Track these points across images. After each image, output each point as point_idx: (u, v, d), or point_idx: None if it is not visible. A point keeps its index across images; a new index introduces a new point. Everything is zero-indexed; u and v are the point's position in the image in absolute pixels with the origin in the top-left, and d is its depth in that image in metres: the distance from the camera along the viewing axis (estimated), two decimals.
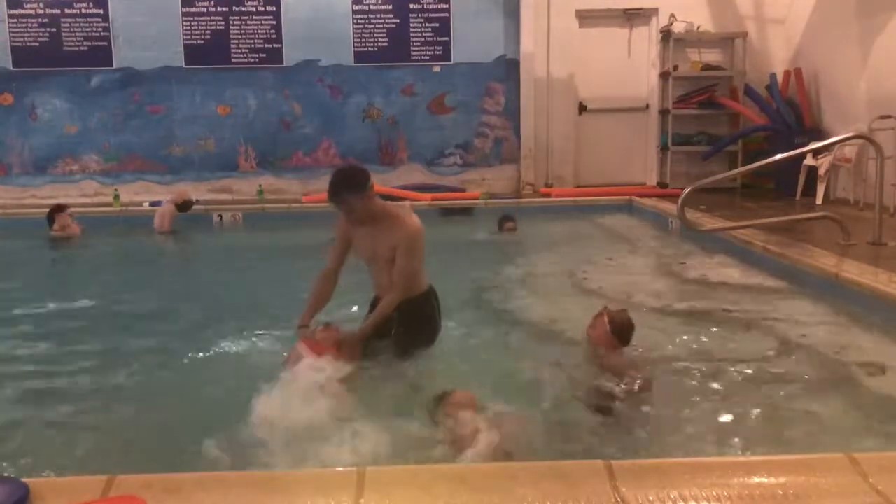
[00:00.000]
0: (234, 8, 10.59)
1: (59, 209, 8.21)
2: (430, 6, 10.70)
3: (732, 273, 5.83)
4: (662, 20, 10.59)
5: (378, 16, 10.69)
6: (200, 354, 4.12)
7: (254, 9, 10.60)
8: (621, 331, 3.71)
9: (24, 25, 10.48)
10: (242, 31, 10.64)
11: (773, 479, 2.04)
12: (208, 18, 10.61)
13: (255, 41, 10.66)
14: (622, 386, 3.41)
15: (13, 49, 10.47)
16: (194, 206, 9.10)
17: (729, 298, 5.11)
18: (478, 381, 3.60)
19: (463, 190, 10.47)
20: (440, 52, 10.78)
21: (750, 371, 3.72)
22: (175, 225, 8.66)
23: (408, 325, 3.84)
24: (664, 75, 10.64)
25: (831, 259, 5.30)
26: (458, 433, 2.60)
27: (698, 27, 10.46)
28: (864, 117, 8.24)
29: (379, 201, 3.88)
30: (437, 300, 4.01)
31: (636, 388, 3.43)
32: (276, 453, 2.80)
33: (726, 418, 3.15)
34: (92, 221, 8.66)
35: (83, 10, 10.49)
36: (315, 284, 3.96)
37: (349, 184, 3.71)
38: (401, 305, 3.79)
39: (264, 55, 10.69)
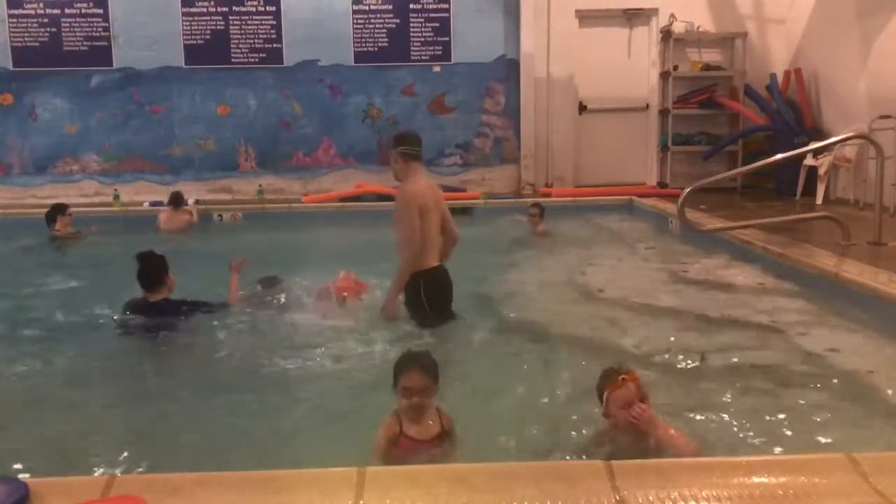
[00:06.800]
0: (234, 8, 10.60)
1: (61, 210, 8.16)
2: (430, 6, 10.70)
3: (732, 273, 5.82)
4: (662, 20, 10.58)
5: (378, 16, 10.69)
6: (201, 354, 4.12)
7: (254, 9, 10.61)
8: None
9: (24, 25, 10.48)
10: (242, 31, 10.64)
11: (773, 479, 2.03)
12: (208, 18, 10.61)
13: (255, 41, 10.66)
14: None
15: (13, 49, 10.48)
16: (197, 205, 9.07)
17: (729, 298, 5.11)
18: (474, 381, 3.60)
19: (463, 190, 10.47)
20: (440, 52, 10.78)
21: (750, 371, 3.71)
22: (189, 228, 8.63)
23: (408, 299, 4.45)
24: (664, 75, 10.64)
25: (831, 259, 5.29)
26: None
27: (698, 27, 10.46)
28: (864, 117, 8.24)
29: (402, 168, 4.73)
30: (431, 285, 4.42)
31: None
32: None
33: (726, 418, 3.15)
34: (92, 221, 8.64)
35: (83, 10, 10.50)
36: None
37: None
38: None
39: (264, 55, 10.69)
